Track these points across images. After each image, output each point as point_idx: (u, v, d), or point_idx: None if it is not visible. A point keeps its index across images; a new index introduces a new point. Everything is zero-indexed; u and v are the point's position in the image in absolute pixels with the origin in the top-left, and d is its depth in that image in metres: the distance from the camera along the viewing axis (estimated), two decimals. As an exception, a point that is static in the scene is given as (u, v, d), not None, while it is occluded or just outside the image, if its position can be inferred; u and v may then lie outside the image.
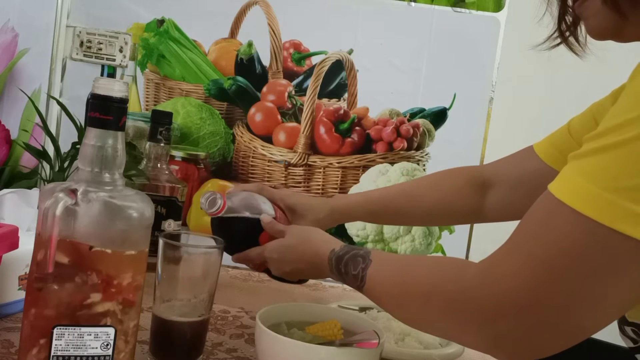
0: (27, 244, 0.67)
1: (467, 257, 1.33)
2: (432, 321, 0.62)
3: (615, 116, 0.50)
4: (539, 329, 0.52)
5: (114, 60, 1.32)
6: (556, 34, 0.68)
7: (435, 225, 1.28)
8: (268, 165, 1.33)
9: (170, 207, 1.12)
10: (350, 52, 1.31)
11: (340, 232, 1.31)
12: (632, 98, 0.50)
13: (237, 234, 0.89)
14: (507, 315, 0.53)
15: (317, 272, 0.80)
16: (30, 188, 1.06)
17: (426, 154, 1.31)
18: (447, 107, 1.30)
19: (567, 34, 0.67)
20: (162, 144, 1.14)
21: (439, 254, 1.31)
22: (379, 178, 1.31)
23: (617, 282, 0.50)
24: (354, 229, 1.31)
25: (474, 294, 0.55)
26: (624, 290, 0.50)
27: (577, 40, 0.68)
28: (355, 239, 1.31)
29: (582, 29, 0.66)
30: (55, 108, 1.30)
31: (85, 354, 0.59)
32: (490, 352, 0.57)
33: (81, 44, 1.31)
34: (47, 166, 1.19)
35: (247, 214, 0.88)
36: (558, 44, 0.69)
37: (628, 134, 0.48)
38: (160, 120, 1.15)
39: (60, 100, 1.27)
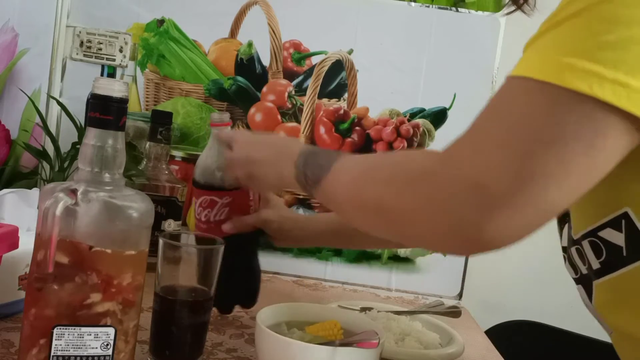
0: (27, 244, 0.67)
1: (465, 262, 1.32)
2: (390, 204, 0.56)
3: None
4: (508, 209, 0.48)
5: (114, 60, 1.32)
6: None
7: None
8: (268, 165, 1.32)
9: (170, 207, 1.13)
10: (350, 52, 1.31)
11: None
12: None
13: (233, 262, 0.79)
14: (469, 198, 0.49)
15: (279, 162, 0.75)
16: (30, 188, 1.06)
17: (426, 154, 1.31)
18: (447, 107, 1.30)
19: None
20: (162, 144, 1.14)
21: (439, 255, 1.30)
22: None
23: (583, 150, 0.47)
24: (354, 229, 1.31)
25: (437, 178, 0.52)
26: (590, 159, 0.48)
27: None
28: (355, 239, 1.31)
29: None
30: (55, 108, 1.30)
31: (85, 354, 0.59)
32: (450, 243, 0.53)
33: (81, 44, 1.31)
34: (47, 166, 1.19)
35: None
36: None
37: (581, 4, 0.49)
38: (160, 120, 1.15)
39: (60, 100, 1.27)
